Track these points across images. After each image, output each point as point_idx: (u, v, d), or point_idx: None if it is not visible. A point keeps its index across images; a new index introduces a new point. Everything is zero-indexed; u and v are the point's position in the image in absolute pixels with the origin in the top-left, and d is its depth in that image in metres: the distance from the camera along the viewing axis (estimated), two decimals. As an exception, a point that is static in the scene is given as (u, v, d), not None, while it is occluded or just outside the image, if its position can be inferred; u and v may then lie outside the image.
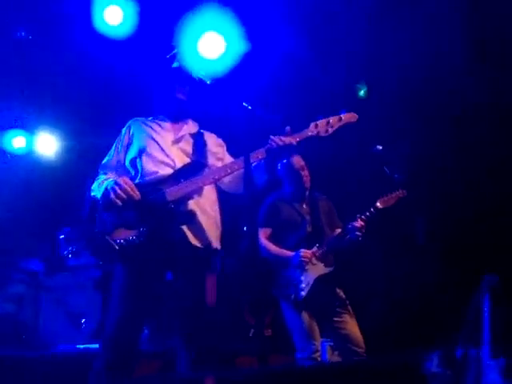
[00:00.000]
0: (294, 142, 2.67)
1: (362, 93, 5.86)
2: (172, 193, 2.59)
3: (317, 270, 3.74)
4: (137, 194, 2.59)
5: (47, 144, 6.68)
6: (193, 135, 2.91)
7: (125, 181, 2.62)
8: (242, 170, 2.63)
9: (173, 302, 2.65)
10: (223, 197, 2.92)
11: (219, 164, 2.88)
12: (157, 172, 2.72)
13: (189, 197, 2.62)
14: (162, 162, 2.74)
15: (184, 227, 2.60)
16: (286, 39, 5.23)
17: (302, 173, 3.97)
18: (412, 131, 5.03)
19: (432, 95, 5.02)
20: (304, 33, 5.16)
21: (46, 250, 5.63)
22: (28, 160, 6.62)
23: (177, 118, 2.96)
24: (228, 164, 2.76)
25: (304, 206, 3.97)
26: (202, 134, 2.95)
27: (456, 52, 4.63)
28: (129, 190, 2.58)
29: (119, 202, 2.57)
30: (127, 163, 2.85)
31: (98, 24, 5.12)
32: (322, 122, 2.73)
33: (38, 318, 5.02)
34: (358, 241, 3.70)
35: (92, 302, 5.07)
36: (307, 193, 4.03)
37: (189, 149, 2.84)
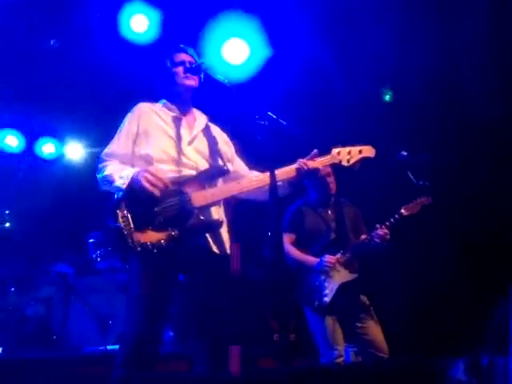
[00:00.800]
0: (321, 167, 2.77)
1: (387, 97, 5.83)
2: (198, 199, 2.53)
3: (341, 276, 3.74)
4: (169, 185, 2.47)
5: (75, 150, 6.89)
6: (204, 132, 2.85)
7: (156, 170, 2.50)
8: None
9: (186, 303, 2.63)
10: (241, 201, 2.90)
11: (229, 166, 2.83)
12: (178, 171, 2.63)
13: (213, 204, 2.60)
14: (181, 163, 2.65)
15: (208, 234, 2.60)
16: (309, 44, 5.23)
17: (328, 179, 3.96)
18: (436, 136, 4.96)
19: (457, 100, 4.95)
20: (328, 38, 5.15)
21: (75, 253, 5.72)
22: (57, 166, 6.82)
23: (185, 106, 2.86)
24: (256, 179, 2.72)
25: (329, 212, 3.96)
26: (210, 130, 2.89)
27: (482, 57, 4.56)
28: (165, 179, 2.46)
29: (157, 192, 2.43)
30: (139, 155, 2.68)
31: (124, 32, 5.25)
32: (343, 151, 2.81)
33: (68, 320, 5.11)
34: (382, 247, 3.69)
35: (120, 304, 5.12)
36: (332, 199, 4.03)
37: (204, 149, 2.78)
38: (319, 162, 2.78)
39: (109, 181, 2.57)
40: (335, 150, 2.81)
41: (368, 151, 2.85)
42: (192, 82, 2.77)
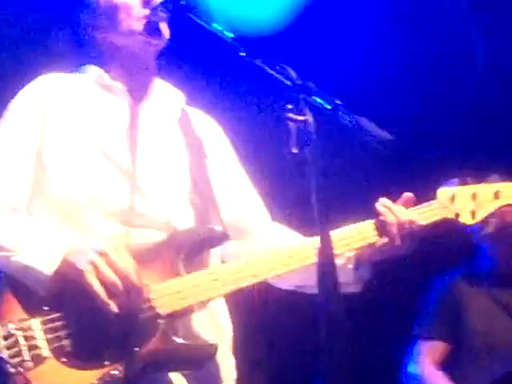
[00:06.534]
0: (424, 224, 1.58)
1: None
2: (167, 298, 2.12)
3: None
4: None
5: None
6: (179, 132, 1.93)
7: (119, 248, 1.60)
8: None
9: None
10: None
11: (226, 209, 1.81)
12: (125, 232, 1.92)
13: None
14: (133, 213, 2.16)
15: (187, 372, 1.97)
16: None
17: None
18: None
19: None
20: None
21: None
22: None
23: (141, 80, 1.99)
24: (288, 252, 1.52)
25: None
26: (192, 126, 1.89)
27: None
28: (135, 275, 1.96)
29: (113, 308, 1.47)
30: (47, 197, 2.15)
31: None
32: (462, 193, 1.72)
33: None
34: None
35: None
36: None
37: (179, 176, 1.87)
38: (418, 214, 1.62)
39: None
40: (445, 193, 1.66)
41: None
42: (160, 36, 1.60)
